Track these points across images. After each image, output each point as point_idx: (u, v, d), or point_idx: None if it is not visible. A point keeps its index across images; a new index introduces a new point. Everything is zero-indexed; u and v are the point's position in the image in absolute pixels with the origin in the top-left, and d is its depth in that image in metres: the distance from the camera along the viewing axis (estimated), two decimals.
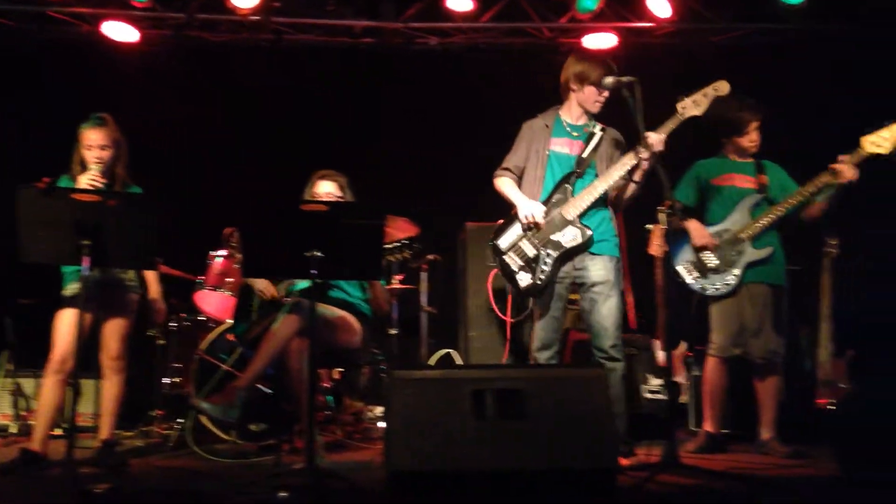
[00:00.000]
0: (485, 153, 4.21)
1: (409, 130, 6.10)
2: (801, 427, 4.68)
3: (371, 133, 6.09)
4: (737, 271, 4.12)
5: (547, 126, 3.92)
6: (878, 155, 3.94)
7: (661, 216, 3.50)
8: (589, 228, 3.74)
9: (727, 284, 4.14)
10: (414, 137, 6.06)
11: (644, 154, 3.61)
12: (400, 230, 4.74)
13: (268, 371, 3.58)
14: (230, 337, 4.28)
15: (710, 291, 4.15)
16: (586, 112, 3.90)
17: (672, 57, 6.01)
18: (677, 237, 4.21)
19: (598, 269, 3.77)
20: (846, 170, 3.94)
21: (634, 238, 4.85)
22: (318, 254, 3.06)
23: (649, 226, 4.67)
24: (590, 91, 3.81)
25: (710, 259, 4.16)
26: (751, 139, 4.25)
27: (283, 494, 2.71)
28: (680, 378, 5.00)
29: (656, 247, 4.60)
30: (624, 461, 3.55)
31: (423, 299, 5.25)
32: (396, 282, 5.20)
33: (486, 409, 2.83)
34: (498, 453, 2.78)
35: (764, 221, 4.13)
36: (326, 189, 4.05)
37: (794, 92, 5.96)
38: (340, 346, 3.76)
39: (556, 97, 4.01)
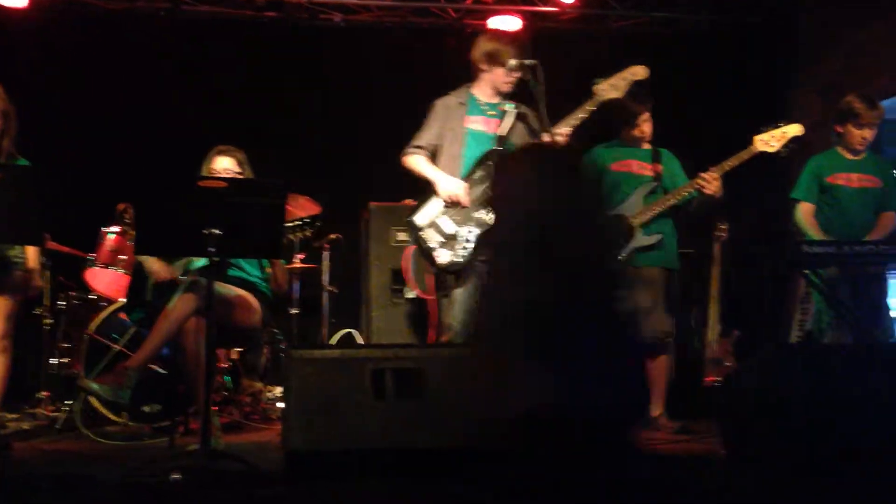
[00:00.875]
0: (388, 132, 4.18)
1: (311, 108, 6.02)
2: (689, 404, 4.89)
3: (273, 109, 5.97)
4: (623, 256, 4.22)
5: (462, 104, 3.91)
6: (766, 153, 4.11)
7: None
8: None
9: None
10: (317, 115, 5.99)
11: (549, 137, 3.67)
12: (301, 208, 4.67)
13: (163, 351, 3.48)
14: (123, 316, 4.15)
15: None
16: (498, 91, 3.92)
17: (575, 42, 6.11)
18: None
19: None
20: (707, 185, 4.09)
21: None
22: (216, 231, 2.99)
23: None
24: (499, 71, 3.83)
25: None
26: (641, 130, 4.35)
27: (175, 476, 2.66)
28: None
29: None
30: None
31: (325, 279, 5.20)
32: (297, 261, 5.14)
33: (386, 389, 2.84)
34: (396, 433, 2.79)
35: (654, 209, 4.25)
36: (224, 165, 3.95)
37: (695, 82, 6.16)
38: (239, 325, 3.69)
39: (460, 79, 4.01)
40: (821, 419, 2.92)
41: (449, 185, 3.76)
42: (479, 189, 3.77)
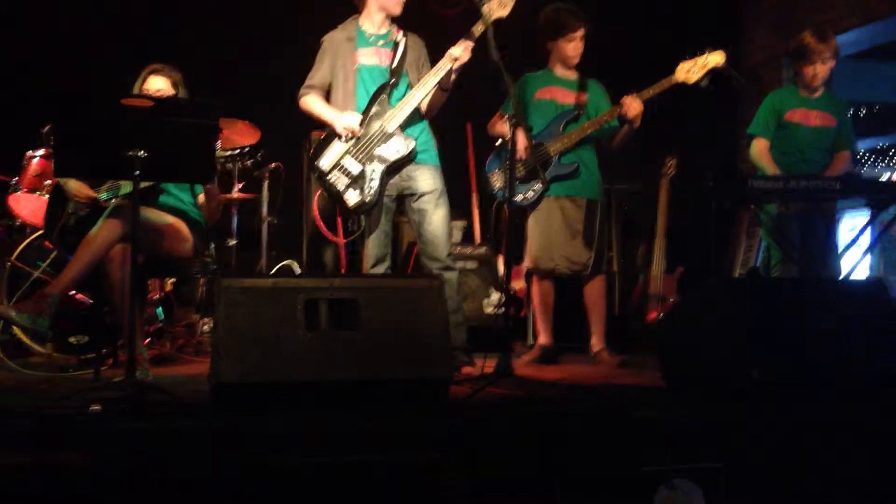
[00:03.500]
0: None
1: (253, 31, 5.74)
2: (634, 339, 4.91)
3: (213, 31, 5.68)
4: (538, 185, 4.12)
5: (350, 39, 3.79)
6: (686, 83, 3.93)
7: (504, 126, 3.44)
8: (412, 139, 3.67)
9: (528, 196, 4.15)
10: (259, 39, 5.71)
11: (452, 61, 3.56)
12: (239, 135, 4.50)
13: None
14: (48, 244, 3.96)
15: (516, 201, 4.12)
16: (388, 17, 3.78)
17: None
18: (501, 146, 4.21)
19: (426, 178, 3.74)
20: (628, 108, 3.95)
21: (481, 152, 4.82)
22: (141, 153, 2.81)
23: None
24: None
25: (519, 169, 4.14)
26: (575, 46, 4.20)
27: (95, 408, 2.53)
28: (521, 293, 5.08)
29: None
30: (465, 370, 3.58)
31: (264, 209, 5.04)
32: (236, 190, 4.98)
33: (319, 320, 2.73)
34: (329, 364, 2.69)
35: (572, 138, 4.13)
36: (158, 85, 3.74)
37: (654, 11, 5.99)
38: (168, 254, 3.53)
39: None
40: (761, 352, 2.91)
41: (343, 120, 3.67)
42: (377, 124, 3.67)
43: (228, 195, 4.84)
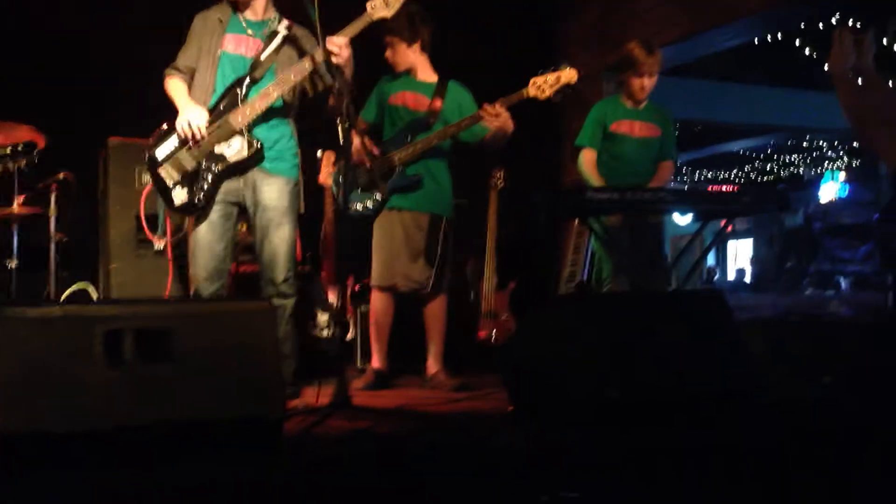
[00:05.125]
0: (134, 56, 3.55)
1: (42, 27, 5.06)
2: (464, 359, 4.71)
3: None
4: (378, 196, 3.89)
5: (221, 21, 3.37)
6: (538, 98, 3.81)
7: (339, 130, 3.13)
8: (258, 141, 3.29)
9: (367, 206, 3.92)
10: (47, 35, 5.04)
11: (320, 57, 3.21)
12: (12, 137, 3.89)
13: None
14: None
15: (351, 211, 3.89)
16: (274, 4, 3.42)
17: None
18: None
19: (273, 190, 3.34)
20: (489, 116, 3.78)
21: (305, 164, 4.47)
22: None
23: (319, 152, 4.34)
24: None
25: (360, 177, 3.89)
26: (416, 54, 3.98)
27: None
28: (347, 313, 4.77)
29: (326, 174, 4.27)
30: (292, 403, 3.23)
31: (52, 225, 4.40)
32: (18, 204, 4.32)
33: (124, 353, 2.30)
34: (138, 406, 2.27)
35: (417, 147, 3.91)
36: None
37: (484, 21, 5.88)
38: None
39: None
40: (601, 370, 2.80)
41: (186, 115, 3.26)
42: (223, 120, 3.28)
43: (7, 210, 4.19)
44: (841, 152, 13.13)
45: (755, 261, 11.82)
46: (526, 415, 3.01)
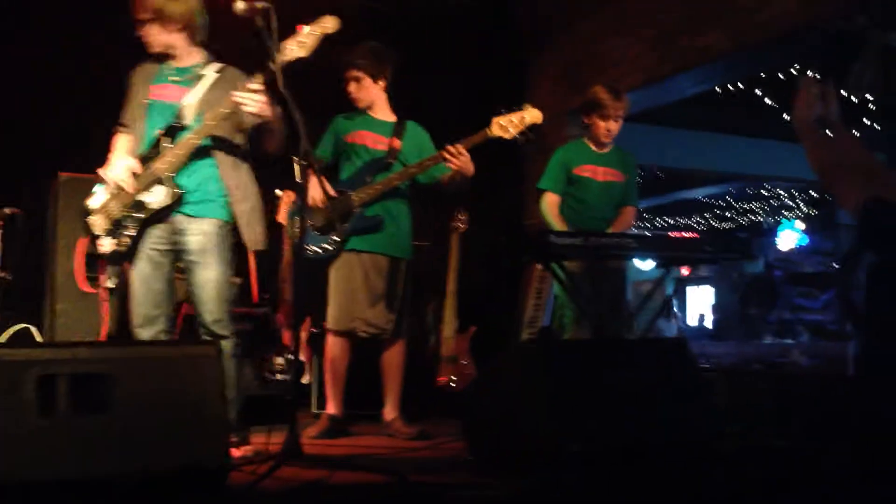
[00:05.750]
0: (88, 94, 3.45)
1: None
2: (422, 405, 4.57)
3: None
4: (336, 237, 3.80)
5: (149, 72, 3.32)
6: (502, 138, 3.75)
7: (296, 169, 3.02)
8: (179, 187, 3.18)
9: (324, 248, 3.82)
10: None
11: (233, 105, 3.11)
12: None
13: None
14: None
15: (308, 252, 3.79)
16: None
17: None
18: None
19: (197, 233, 3.22)
20: (453, 158, 3.71)
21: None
22: None
23: (278, 191, 4.23)
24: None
25: (317, 218, 3.80)
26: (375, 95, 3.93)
27: None
28: (304, 357, 4.63)
29: (285, 214, 4.17)
30: (237, 452, 3.08)
31: None
32: None
33: (57, 401, 2.16)
34: (71, 458, 2.13)
35: (377, 188, 3.83)
36: None
37: (448, 58, 5.84)
38: None
39: None
40: (564, 418, 2.73)
41: (112, 168, 3.22)
42: (149, 168, 3.19)
43: None
44: (799, 201, 13.32)
45: (717, 308, 11.84)
46: (484, 465, 2.91)
